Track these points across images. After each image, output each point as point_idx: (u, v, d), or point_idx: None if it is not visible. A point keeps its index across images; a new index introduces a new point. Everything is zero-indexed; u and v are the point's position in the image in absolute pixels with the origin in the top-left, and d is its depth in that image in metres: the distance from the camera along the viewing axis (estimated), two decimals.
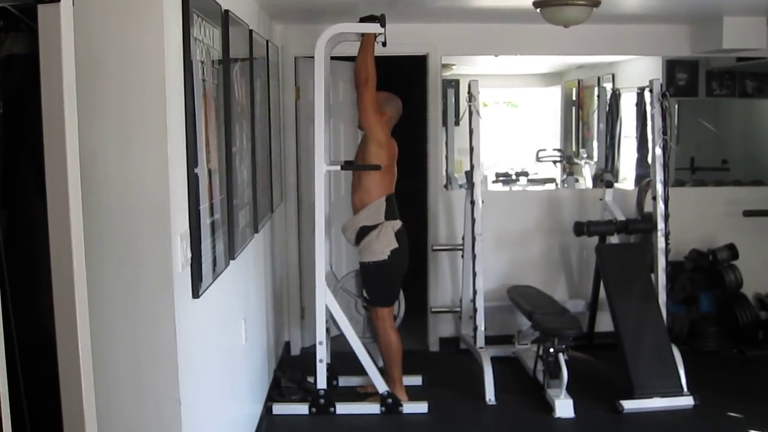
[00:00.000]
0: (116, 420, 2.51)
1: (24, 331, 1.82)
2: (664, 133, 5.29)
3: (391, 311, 4.89)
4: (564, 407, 4.67)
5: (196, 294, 2.84)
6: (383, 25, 4.51)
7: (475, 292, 5.25)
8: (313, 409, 4.71)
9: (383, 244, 4.68)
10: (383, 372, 4.85)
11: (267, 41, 4.93)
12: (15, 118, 2.22)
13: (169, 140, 2.54)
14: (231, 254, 3.53)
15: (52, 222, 1.67)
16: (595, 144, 8.61)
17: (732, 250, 5.82)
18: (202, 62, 2.97)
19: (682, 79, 6.91)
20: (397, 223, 4.75)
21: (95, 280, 2.19)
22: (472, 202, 5.29)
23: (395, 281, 4.86)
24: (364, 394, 4.96)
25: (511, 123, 10.47)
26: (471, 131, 5.29)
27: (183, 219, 2.73)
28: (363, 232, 4.73)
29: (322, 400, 4.71)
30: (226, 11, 3.47)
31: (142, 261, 2.54)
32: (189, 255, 2.76)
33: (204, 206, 2.96)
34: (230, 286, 3.64)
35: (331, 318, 4.77)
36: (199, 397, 2.95)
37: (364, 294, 4.87)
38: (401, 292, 5.00)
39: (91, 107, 2.40)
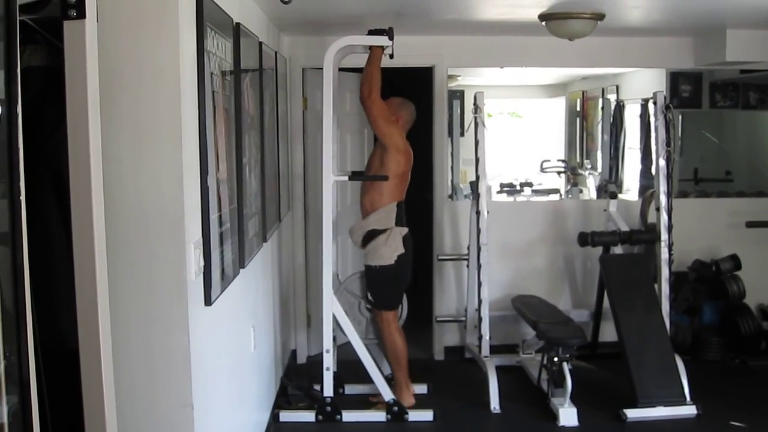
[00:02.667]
0: (131, 423, 2.54)
1: (45, 339, 1.87)
2: (668, 144, 5.31)
3: (396, 314, 4.93)
4: (568, 416, 4.70)
5: (208, 301, 2.89)
6: (391, 38, 4.55)
7: (480, 302, 5.29)
8: (320, 417, 4.74)
9: (391, 248, 4.71)
10: (390, 380, 4.90)
11: (276, 53, 4.99)
12: (33, 129, 2.28)
13: (183, 151, 2.59)
14: (241, 263, 3.58)
15: (76, 231, 1.72)
16: (599, 155, 8.64)
17: (735, 261, 5.83)
18: (214, 74, 3.03)
19: (685, 91, 6.96)
20: (405, 229, 4.79)
21: (111, 287, 2.23)
22: (478, 213, 5.33)
23: (400, 285, 4.90)
24: (375, 402, 4.96)
25: (515, 134, 10.53)
26: (476, 142, 5.34)
27: (196, 228, 2.78)
28: (371, 235, 4.76)
29: (328, 408, 4.74)
30: (238, 24, 3.53)
31: (156, 268, 2.59)
32: (202, 263, 2.81)
33: (215, 216, 3.01)
34: (240, 295, 3.69)
35: (337, 326, 4.81)
36: (210, 403, 3.00)
37: (369, 297, 4.92)
38: (404, 296, 5.05)
39: (107, 118, 2.43)
